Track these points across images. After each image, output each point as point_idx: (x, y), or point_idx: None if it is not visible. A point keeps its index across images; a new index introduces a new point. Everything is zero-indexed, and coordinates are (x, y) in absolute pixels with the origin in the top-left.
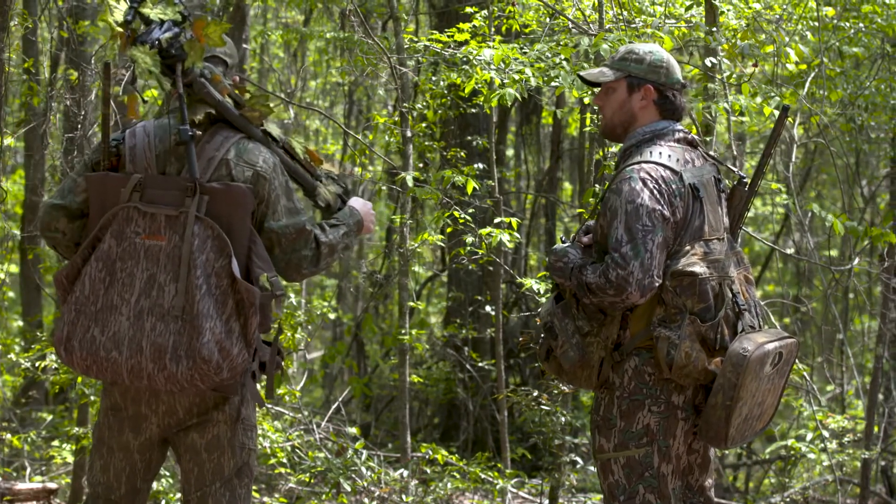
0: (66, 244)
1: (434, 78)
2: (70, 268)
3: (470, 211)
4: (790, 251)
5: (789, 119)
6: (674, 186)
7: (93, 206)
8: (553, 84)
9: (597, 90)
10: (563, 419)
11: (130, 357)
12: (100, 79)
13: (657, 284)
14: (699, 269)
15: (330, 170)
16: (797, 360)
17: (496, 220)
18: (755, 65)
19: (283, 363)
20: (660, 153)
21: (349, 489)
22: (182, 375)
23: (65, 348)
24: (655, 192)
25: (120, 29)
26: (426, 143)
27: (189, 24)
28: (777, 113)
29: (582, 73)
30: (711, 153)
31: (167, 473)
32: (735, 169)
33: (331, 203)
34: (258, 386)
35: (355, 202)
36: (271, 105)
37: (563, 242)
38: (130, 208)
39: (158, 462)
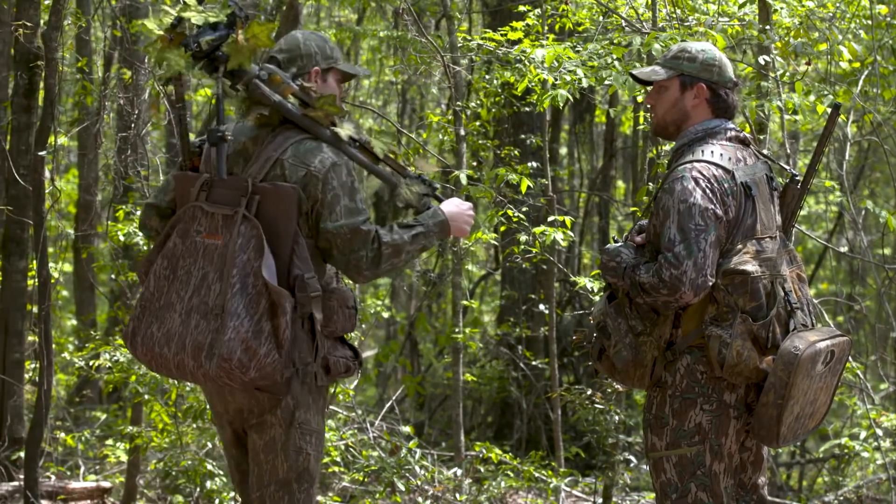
0: None
1: (487, 76)
2: (145, 264)
3: (524, 209)
4: (844, 249)
5: (842, 117)
6: (726, 185)
7: (178, 205)
8: (605, 83)
9: (649, 88)
10: (616, 418)
11: (176, 354)
12: (155, 81)
13: (710, 283)
14: (751, 267)
15: (424, 169)
16: (850, 359)
17: (550, 219)
18: (808, 63)
19: (361, 365)
20: (712, 152)
21: (403, 488)
22: (213, 373)
23: (131, 343)
24: (708, 190)
25: (160, 33)
26: (480, 142)
27: (238, 26)
28: (830, 111)
29: (634, 72)
30: (764, 151)
31: (220, 472)
32: (787, 167)
33: (413, 203)
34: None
35: (447, 204)
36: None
37: (616, 242)
38: (196, 207)
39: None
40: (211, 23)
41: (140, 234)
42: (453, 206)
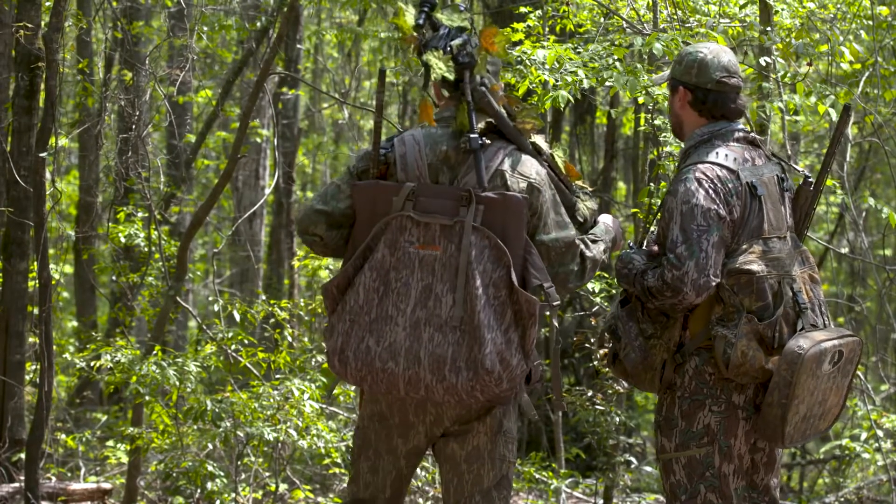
0: (321, 248)
1: None
2: (341, 277)
3: None
4: (844, 250)
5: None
6: (730, 185)
7: (361, 215)
8: (606, 84)
9: (656, 90)
10: (617, 419)
11: (408, 368)
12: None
13: (713, 284)
14: (756, 267)
15: (583, 185)
16: None
17: None
18: (809, 64)
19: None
20: (717, 153)
21: None
22: (462, 387)
23: (339, 359)
24: (711, 191)
25: (414, 33)
26: None
27: (476, 31)
28: (832, 111)
29: (651, 79)
30: (776, 152)
31: (220, 474)
32: (801, 169)
33: (588, 219)
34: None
35: (605, 218)
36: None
37: (631, 248)
38: (404, 217)
39: (416, 467)
40: (448, 27)
41: (140, 236)
42: (612, 221)
